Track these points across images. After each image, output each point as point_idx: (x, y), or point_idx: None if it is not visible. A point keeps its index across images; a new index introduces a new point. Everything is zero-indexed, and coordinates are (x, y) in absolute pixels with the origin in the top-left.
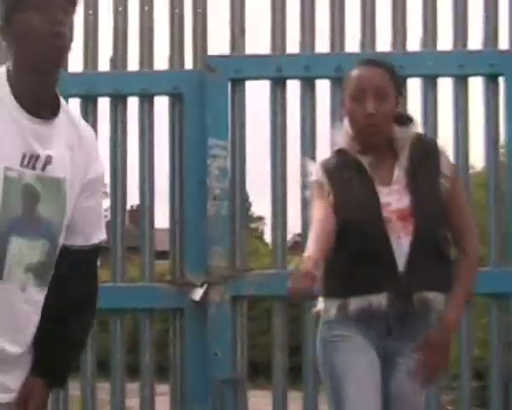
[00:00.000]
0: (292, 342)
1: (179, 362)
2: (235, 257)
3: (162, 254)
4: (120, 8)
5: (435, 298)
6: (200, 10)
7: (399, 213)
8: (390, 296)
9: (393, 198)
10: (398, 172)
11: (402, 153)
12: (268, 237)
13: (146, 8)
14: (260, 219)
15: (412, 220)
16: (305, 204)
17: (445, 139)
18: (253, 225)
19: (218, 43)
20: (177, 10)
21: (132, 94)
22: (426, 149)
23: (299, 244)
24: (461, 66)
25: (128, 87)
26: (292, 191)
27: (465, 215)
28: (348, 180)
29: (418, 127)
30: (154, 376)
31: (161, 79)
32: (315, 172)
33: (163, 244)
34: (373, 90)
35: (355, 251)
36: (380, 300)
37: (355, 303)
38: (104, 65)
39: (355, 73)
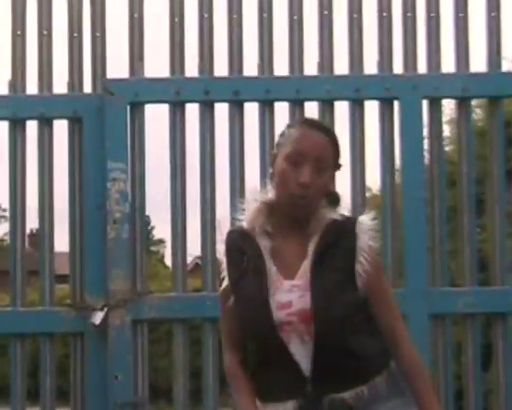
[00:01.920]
0: (193, 364)
1: (80, 386)
2: (136, 280)
3: (62, 278)
4: (19, 32)
5: (352, 396)
6: (98, 34)
7: (301, 315)
8: (299, 403)
9: (295, 296)
10: (305, 263)
11: (313, 238)
12: (168, 260)
13: (45, 32)
14: (161, 242)
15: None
16: (205, 227)
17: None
18: (153, 249)
19: (117, 67)
20: (76, 34)
21: (31, 118)
22: (340, 231)
23: (199, 266)
24: (357, 90)
25: (27, 111)
26: (191, 214)
27: (391, 313)
28: (244, 270)
29: (343, 208)
30: (54, 400)
31: (60, 102)
32: (220, 246)
33: (63, 268)
34: (313, 159)
35: (257, 355)
36: (286, 408)
37: None
38: (2, 89)
39: (298, 132)
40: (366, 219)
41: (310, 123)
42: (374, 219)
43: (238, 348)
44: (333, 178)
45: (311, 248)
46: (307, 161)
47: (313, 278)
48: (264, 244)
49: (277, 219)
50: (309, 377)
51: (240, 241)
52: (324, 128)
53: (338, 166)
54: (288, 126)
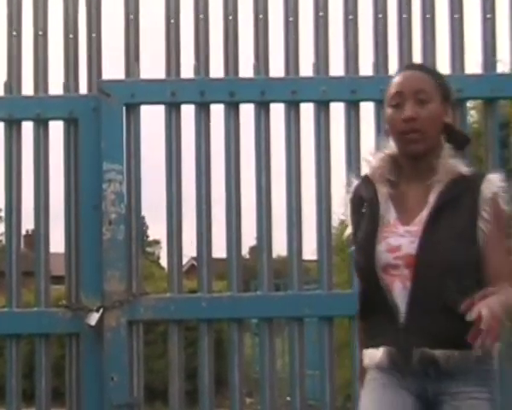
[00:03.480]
0: (188, 365)
1: (75, 387)
2: (131, 281)
3: (58, 279)
4: (15, 33)
5: (446, 357)
6: (94, 35)
7: (407, 259)
8: (390, 351)
9: (406, 241)
10: (426, 210)
11: (437, 187)
12: (164, 261)
13: (40, 32)
14: (156, 243)
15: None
16: (201, 227)
17: (337, 161)
18: (149, 250)
19: (113, 68)
20: (71, 35)
21: (27, 119)
22: (466, 187)
23: (194, 267)
24: (353, 91)
25: (23, 112)
26: (187, 215)
27: (501, 260)
28: (363, 216)
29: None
30: (50, 401)
31: (56, 103)
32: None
33: (59, 269)
34: (412, 94)
35: (361, 300)
36: (378, 354)
37: (368, 356)
38: None
39: (394, 79)
40: (495, 177)
41: (406, 66)
42: (504, 179)
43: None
44: (445, 110)
45: (432, 197)
46: (407, 98)
47: (427, 225)
48: (383, 190)
49: (402, 169)
50: (403, 324)
51: (361, 189)
52: (421, 66)
53: (448, 99)
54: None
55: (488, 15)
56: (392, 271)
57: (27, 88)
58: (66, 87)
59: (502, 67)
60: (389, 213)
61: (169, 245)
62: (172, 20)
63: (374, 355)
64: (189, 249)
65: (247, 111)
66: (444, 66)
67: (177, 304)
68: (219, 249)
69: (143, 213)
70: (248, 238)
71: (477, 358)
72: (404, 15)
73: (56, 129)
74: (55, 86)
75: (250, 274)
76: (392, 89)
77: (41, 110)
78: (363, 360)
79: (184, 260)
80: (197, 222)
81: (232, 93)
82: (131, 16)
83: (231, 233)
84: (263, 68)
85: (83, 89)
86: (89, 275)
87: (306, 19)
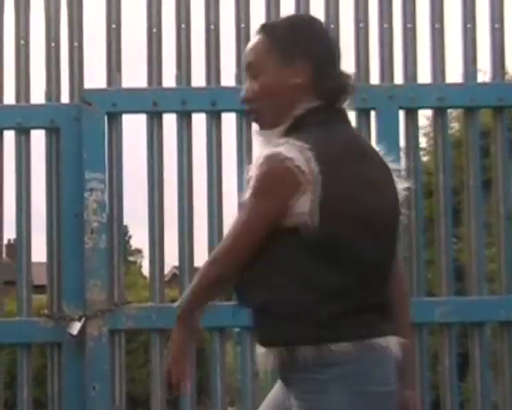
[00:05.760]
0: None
1: (57, 397)
2: (113, 290)
3: (40, 288)
4: None
5: (275, 357)
6: (76, 44)
7: None
8: None
9: None
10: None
11: None
12: (146, 270)
13: (22, 41)
14: (138, 251)
15: None
16: (183, 236)
17: None
18: (131, 258)
19: (95, 77)
20: (53, 44)
21: (8, 128)
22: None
23: (176, 276)
24: None
25: (4, 121)
26: (169, 224)
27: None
28: None
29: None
30: None
31: (38, 112)
32: None
33: (41, 278)
34: (247, 68)
35: None
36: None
37: None
38: None
39: None
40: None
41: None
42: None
43: None
44: (289, 72)
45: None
46: (246, 74)
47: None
48: None
49: None
50: None
51: None
52: (263, 26)
53: (294, 56)
54: None
55: (468, 25)
56: None
57: (9, 97)
58: (47, 96)
59: (482, 77)
60: None
61: (151, 254)
62: (154, 30)
63: None
64: (171, 258)
65: (229, 120)
66: (425, 75)
67: (158, 313)
68: (201, 258)
69: (125, 222)
70: None
71: (302, 362)
72: (386, 25)
73: (38, 138)
74: (37, 95)
75: None
76: None
77: (22, 119)
78: None
79: (166, 269)
80: (179, 231)
81: (214, 102)
82: (113, 25)
83: (213, 242)
84: (244, 77)
85: (65, 98)
86: (71, 284)
87: None
